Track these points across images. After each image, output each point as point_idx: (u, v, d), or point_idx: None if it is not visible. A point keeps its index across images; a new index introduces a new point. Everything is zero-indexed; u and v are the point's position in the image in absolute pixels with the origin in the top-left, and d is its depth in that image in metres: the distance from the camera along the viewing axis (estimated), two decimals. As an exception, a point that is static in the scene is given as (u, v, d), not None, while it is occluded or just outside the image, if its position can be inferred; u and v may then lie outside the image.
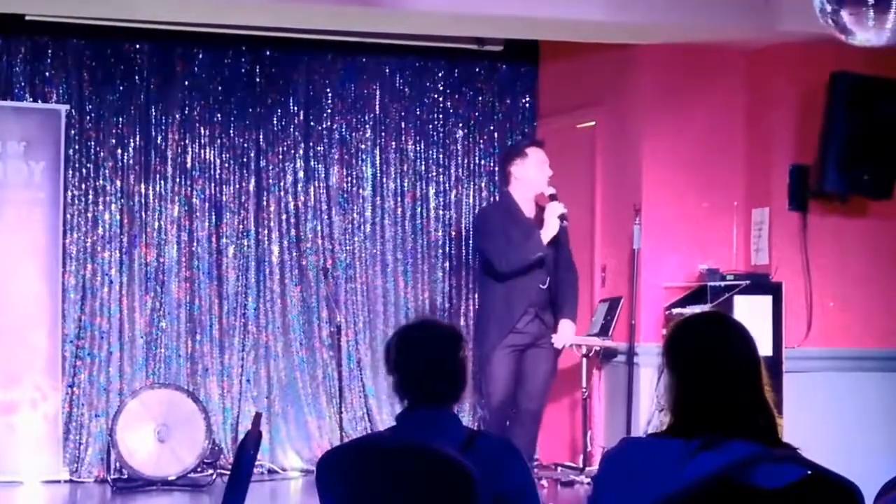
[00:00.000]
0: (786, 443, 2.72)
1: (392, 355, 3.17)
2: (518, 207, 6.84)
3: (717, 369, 2.73)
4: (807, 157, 7.55)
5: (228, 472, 7.60)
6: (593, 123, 8.37)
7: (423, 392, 3.12)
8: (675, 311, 7.46)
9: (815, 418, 7.30)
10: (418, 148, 8.61)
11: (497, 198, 8.19)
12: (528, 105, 8.78)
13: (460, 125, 8.68)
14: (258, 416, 3.68)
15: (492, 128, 8.73)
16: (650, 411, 7.42)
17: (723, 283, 7.37)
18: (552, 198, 6.98)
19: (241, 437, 7.91)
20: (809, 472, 2.56)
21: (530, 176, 6.84)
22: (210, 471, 7.77)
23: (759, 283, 7.42)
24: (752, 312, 7.14)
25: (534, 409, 6.80)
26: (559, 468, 8.16)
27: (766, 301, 7.34)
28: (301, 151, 8.40)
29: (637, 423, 7.56)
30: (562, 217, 6.75)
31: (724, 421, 2.68)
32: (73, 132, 7.99)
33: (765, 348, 7.06)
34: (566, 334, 7.09)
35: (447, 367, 3.14)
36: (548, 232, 6.75)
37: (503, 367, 6.71)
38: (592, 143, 8.34)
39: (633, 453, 2.75)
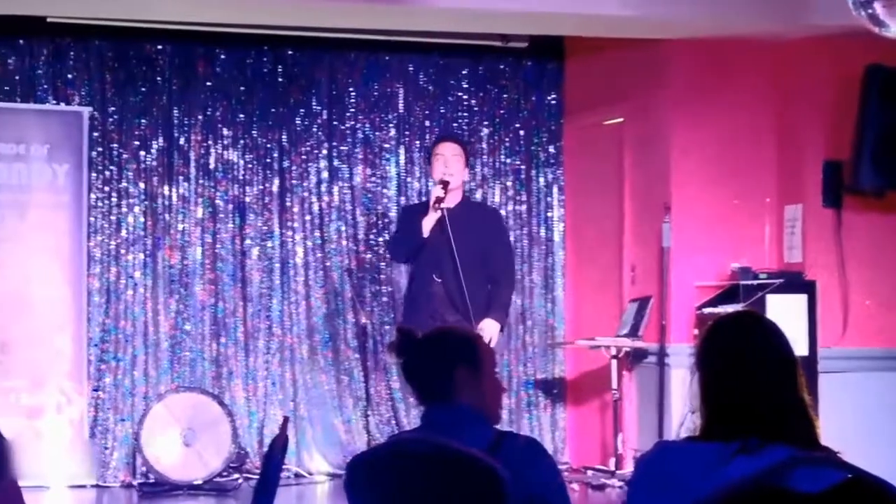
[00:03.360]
0: (825, 446, 2.66)
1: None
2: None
3: (751, 370, 2.67)
4: (841, 153, 7.43)
5: (254, 477, 7.57)
6: (621, 120, 8.27)
7: (420, 386, 3.19)
8: (707, 310, 7.36)
9: (852, 419, 7.17)
10: (443, 147, 8.51)
11: (515, 195, 8.46)
12: (553, 102, 8.69)
13: (485, 123, 8.59)
14: (286, 421, 3.66)
15: (517, 126, 8.64)
16: (682, 413, 7.32)
17: (755, 282, 7.27)
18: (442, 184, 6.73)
19: (266, 440, 7.86)
20: (849, 476, 2.48)
21: (433, 171, 6.80)
22: (236, 475, 7.71)
23: (793, 282, 7.31)
24: (785, 311, 7.03)
25: None
26: (590, 471, 8.06)
27: (800, 300, 7.23)
28: (324, 151, 8.34)
29: (669, 425, 7.46)
30: (436, 200, 6.60)
31: (760, 424, 2.62)
32: (95, 134, 7.95)
33: (799, 348, 6.93)
34: (486, 333, 6.36)
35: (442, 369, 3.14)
36: (427, 219, 6.61)
37: None
38: (620, 139, 8.24)
39: (668, 457, 2.70)
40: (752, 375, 2.66)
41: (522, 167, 8.62)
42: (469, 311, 6.42)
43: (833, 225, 7.54)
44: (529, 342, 8.54)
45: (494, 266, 6.64)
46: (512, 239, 8.52)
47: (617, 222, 8.17)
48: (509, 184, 8.61)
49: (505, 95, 8.63)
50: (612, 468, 7.70)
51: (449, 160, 6.68)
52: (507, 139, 8.63)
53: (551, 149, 8.67)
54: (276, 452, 3.52)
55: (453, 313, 6.49)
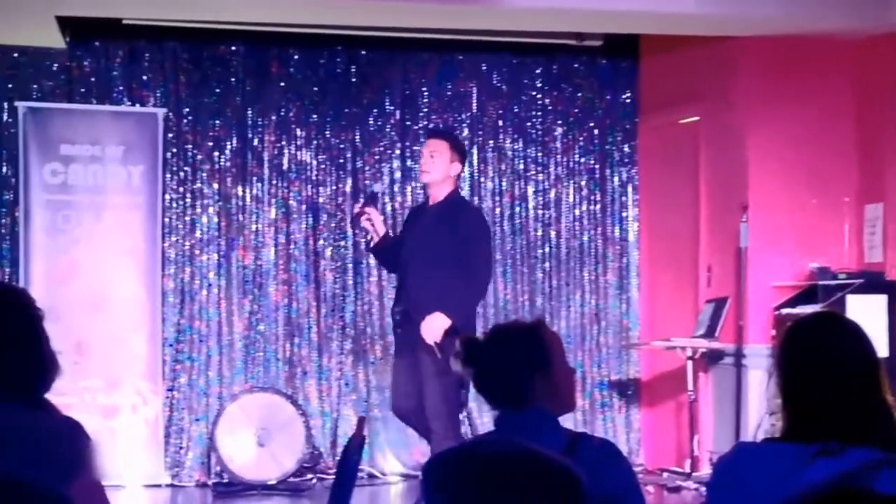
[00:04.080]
0: (909, 448, 2.57)
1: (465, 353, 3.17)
2: (426, 200, 6.62)
3: (833, 372, 2.62)
4: (923, 150, 7.28)
5: (328, 477, 7.58)
6: (697, 119, 8.17)
7: (493, 394, 3.13)
8: (785, 311, 7.24)
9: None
10: (516, 146, 8.47)
11: (590, 195, 8.47)
12: (628, 101, 8.60)
13: (559, 122, 8.53)
14: (362, 420, 3.64)
15: (592, 125, 8.56)
16: (759, 415, 7.20)
17: (834, 282, 7.14)
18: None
19: (339, 441, 7.88)
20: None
21: None
22: (310, 475, 7.72)
23: (874, 282, 7.17)
24: (866, 312, 6.89)
25: (433, 427, 6.03)
26: (665, 473, 7.97)
27: (880, 300, 7.08)
28: (397, 151, 8.33)
29: (746, 426, 7.35)
30: (356, 214, 6.61)
31: (842, 425, 2.56)
32: (170, 135, 8.01)
33: (880, 349, 6.80)
34: (429, 326, 6.00)
35: (516, 367, 3.09)
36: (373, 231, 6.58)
37: (391, 375, 6.60)
38: (696, 138, 8.13)
39: (748, 458, 2.65)
40: (833, 377, 2.60)
41: (597, 166, 8.54)
42: (410, 304, 6.17)
43: (916, 224, 7.39)
44: (604, 343, 8.46)
45: (464, 264, 6.26)
46: (586, 239, 8.46)
47: (693, 222, 8.07)
48: (583, 183, 8.53)
49: (579, 94, 8.56)
50: (688, 470, 7.60)
51: (425, 158, 6.56)
52: (581, 138, 8.55)
53: (626, 148, 8.59)
54: (352, 452, 3.50)
55: (398, 305, 6.34)
